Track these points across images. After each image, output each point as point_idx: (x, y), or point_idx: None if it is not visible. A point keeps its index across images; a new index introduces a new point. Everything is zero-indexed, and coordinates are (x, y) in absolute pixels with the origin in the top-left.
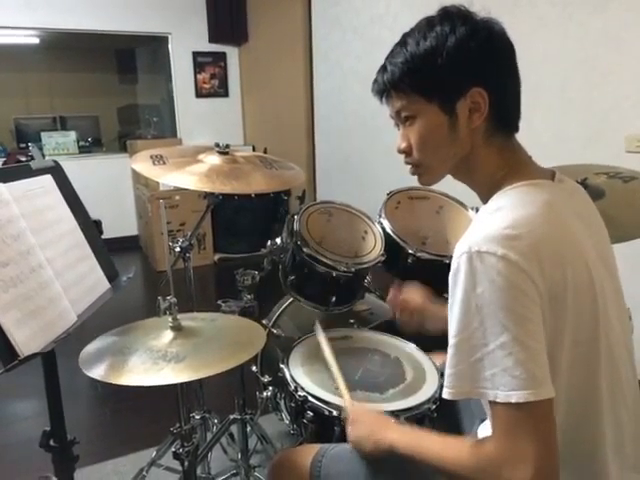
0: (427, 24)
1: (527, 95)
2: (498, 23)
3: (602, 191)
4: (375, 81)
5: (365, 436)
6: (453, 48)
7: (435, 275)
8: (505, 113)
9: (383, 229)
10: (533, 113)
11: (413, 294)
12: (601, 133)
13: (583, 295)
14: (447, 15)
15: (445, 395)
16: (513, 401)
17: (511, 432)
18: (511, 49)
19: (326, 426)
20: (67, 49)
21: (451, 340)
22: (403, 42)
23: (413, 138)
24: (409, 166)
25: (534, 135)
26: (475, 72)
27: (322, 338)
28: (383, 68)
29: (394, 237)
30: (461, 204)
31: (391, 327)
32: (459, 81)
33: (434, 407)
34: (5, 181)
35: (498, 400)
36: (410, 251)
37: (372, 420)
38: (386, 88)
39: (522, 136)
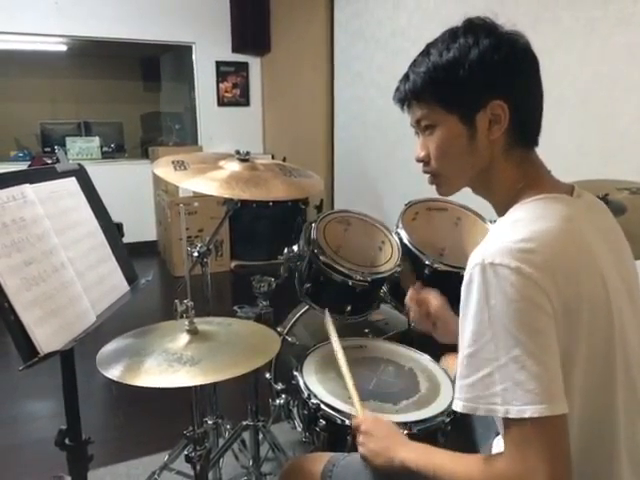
0: (451, 35)
1: (549, 109)
2: (523, 37)
3: (624, 207)
4: (397, 89)
5: (378, 451)
6: (475, 60)
7: (452, 287)
8: (525, 127)
9: (400, 240)
10: (555, 127)
11: (432, 297)
12: (623, 148)
13: (598, 311)
14: (471, 27)
15: (455, 406)
16: (527, 416)
17: (523, 448)
18: (535, 63)
19: (338, 435)
20: (93, 56)
21: (463, 352)
22: (427, 52)
23: (432, 147)
24: (427, 175)
25: (555, 149)
26: (497, 85)
27: (335, 340)
28: (406, 77)
29: (411, 248)
30: (479, 216)
31: (406, 338)
32: (480, 93)
33: (448, 420)
34: (32, 182)
35: (510, 416)
36: (427, 262)
37: (385, 434)
38: (407, 97)
39: (543, 150)
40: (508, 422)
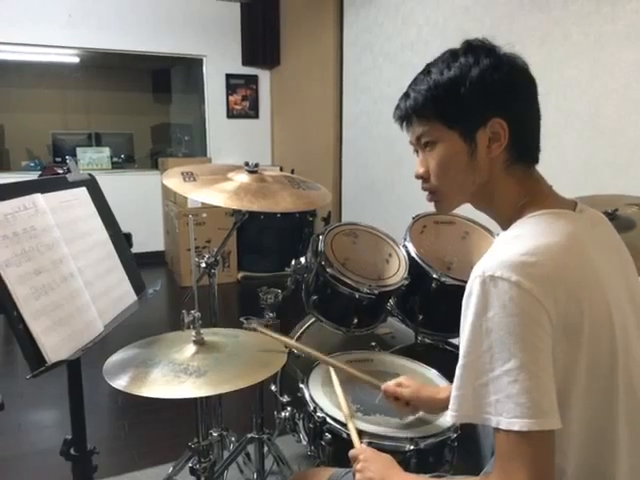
0: (451, 55)
1: (558, 123)
2: (520, 58)
3: (633, 222)
4: (397, 107)
5: (375, 479)
6: (476, 78)
7: (459, 301)
8: (524, 144)
9: (408, 253)
10: (563, 141)
11: (401, 389)
12: (632, 163)
13: (600, 327)
14: (471, 47)
15: (449, 418)
16: (515, 429)
17: (510, 461)
18: (532, 83)
19: (344, 449)
20: (105, 68)
21: (459, 362)
22: (427, 71)
23: (432, 164)
24: (426, 192)
25: (564, 163)
26: (497, 103)
27: (335, 381)
28: (406, 95)
29: (418, 261)
30: (487, 230)
31: (413, 352)
32: (481, 111)
33: (454, 436)
34: (43, 192)
35: (500, 427)
36: (434, 276)
37: (383, 465)
38: (408, 114)
39: (552, 164)
40: (499, 433)
